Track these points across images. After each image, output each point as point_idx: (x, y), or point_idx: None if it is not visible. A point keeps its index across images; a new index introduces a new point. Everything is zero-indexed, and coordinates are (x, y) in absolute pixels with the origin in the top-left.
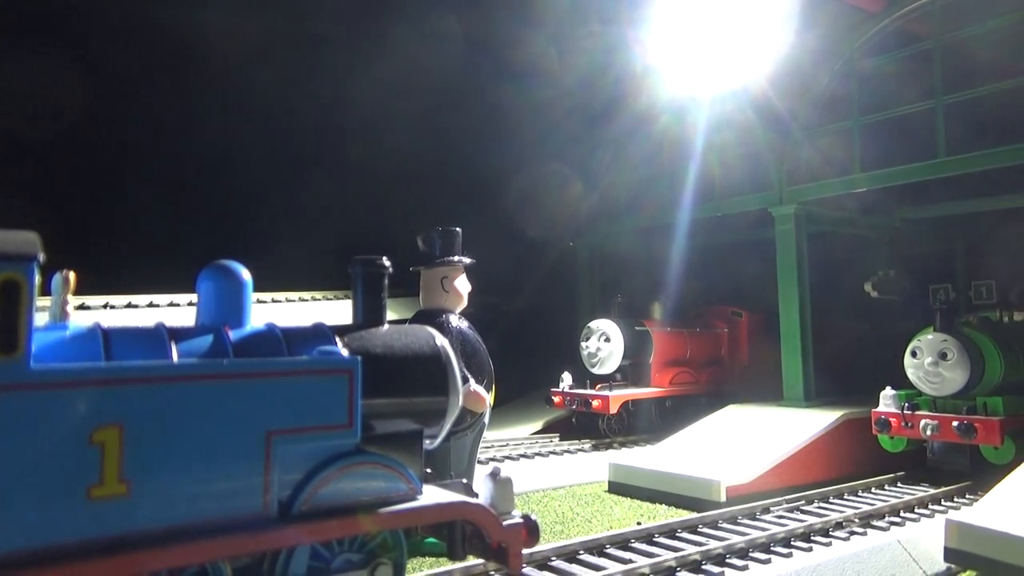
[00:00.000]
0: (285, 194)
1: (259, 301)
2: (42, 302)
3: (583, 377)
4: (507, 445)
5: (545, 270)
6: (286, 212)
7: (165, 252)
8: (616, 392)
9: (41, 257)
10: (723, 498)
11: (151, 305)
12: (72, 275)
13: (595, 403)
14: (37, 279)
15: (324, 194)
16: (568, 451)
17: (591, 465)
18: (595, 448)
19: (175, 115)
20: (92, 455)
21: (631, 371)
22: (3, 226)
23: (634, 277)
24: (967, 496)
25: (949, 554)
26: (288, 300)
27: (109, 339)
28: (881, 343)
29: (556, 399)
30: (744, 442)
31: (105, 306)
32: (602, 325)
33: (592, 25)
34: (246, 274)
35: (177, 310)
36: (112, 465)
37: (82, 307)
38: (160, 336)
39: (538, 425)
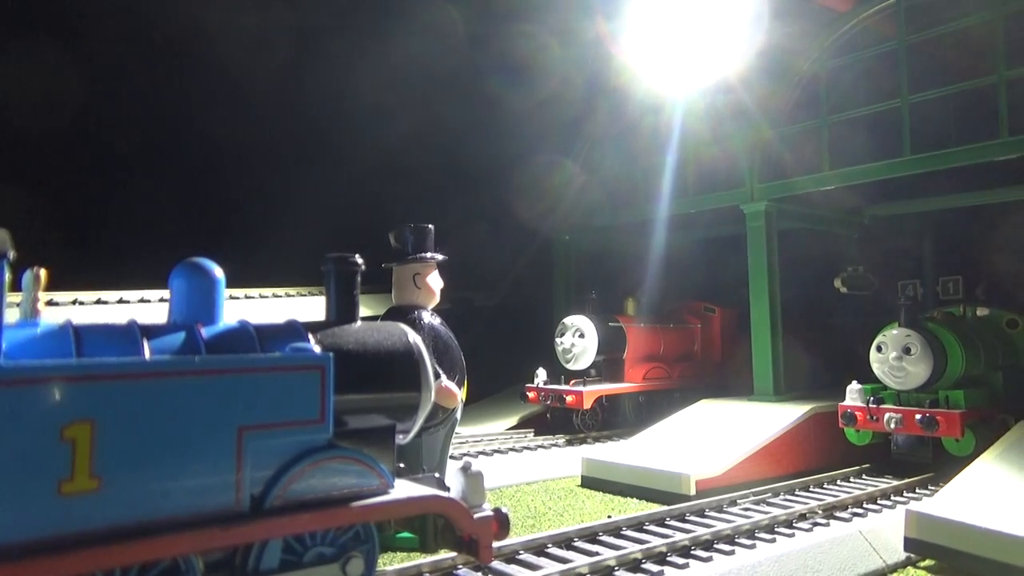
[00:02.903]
0: (273, 188)
1: (231, 297)
2: (12, 298)
3: (557, 373)
4: (481, 441)
5: (520, 266)
6: (274, 206)
7: (150, 246)
8: (590, 388)
9: (11, 254)
10: (693, 491)
11: (121, 301)
12: (43, 272)
13: (569, 399)
14: (7, 276)
15: (305, 189)
16: (542, 446)
17: (565, 460)
18: (569, 443)
19: (169, 110)
20: (63, 450)
21: (605, 367)
22: None
23: (609, 273)
24: (929, 487)
25: (909, 544)
26: (261, 296)
27: (80, 336)
28: (850, 338)
29: (530, 395)
30: (714, 436)
31: (74, 302)
32: (576, 321)
33: (569, 23)
34: (218, 271)
35: (148, 306)
36: (83, 460)
37: (50, 303)
38: (132, 333)
39: (513, 421)
